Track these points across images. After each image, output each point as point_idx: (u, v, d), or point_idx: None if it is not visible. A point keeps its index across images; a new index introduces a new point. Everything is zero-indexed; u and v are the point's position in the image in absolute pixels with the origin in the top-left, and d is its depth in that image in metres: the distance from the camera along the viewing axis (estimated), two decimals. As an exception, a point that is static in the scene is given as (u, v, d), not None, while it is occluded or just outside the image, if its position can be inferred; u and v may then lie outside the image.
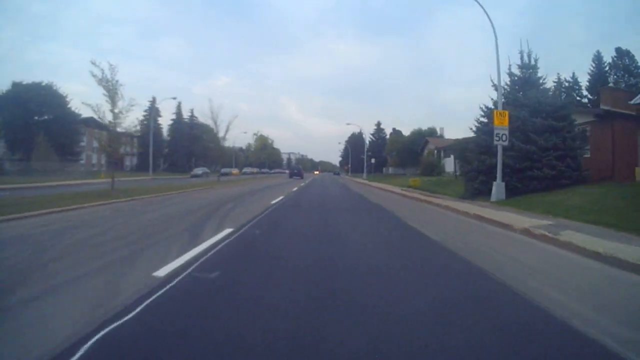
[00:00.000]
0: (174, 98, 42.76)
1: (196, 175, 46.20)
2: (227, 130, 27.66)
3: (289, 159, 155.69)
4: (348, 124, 50.60)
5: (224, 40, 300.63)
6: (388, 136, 77.12)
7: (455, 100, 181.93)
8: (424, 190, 19.21)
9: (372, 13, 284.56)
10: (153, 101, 56.03)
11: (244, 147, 43.09)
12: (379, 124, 75.75)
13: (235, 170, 62.65)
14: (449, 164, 35.61)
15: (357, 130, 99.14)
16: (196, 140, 68.52)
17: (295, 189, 20.80)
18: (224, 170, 58.51)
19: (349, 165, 74.42)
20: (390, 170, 71.21)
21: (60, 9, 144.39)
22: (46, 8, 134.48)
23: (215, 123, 27.41)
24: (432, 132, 66.84)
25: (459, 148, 32.94)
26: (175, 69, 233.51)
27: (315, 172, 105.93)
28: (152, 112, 55.54)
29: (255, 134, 40.58)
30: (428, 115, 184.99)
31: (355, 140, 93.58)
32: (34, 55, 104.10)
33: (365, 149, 54.40)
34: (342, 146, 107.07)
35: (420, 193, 17.62)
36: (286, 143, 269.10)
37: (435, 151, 38.98)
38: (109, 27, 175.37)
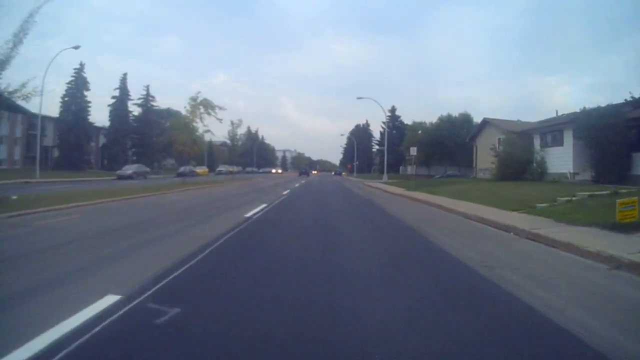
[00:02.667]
0: (77, 47, 25.79)
1: (124, 177, 29.87)
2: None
3: (283, 157, 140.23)
4: (359, 98, 33.51)
5: (222, 38, 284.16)
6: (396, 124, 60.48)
7: (454, 100, 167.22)
8: None
9: (372, 12, 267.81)
10: (80, 68, 39.13)
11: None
12: (393, 110, 58.84)
13: (201, 169, 46.19)
14: (560, 158, 19.13)
15: (362, 122, 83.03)
16: (154, 128, 51.86)
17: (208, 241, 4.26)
18: (182, 168, 42.08)
19: (356, 162, 57.71)
20: (409, 169, 54.78)
21: (59, 5, 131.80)
22: (46, 5, 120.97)
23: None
24: (466, 119, 50.52)
25: (599, 123, 16.71)
26: (172, 66, 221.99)
27: (313, 172, 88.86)
28: (77, 84, 38.83)
29: (192, 99, 22.16)
30: (428, 114, 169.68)
31: (360, 133, 77.25)
32: (31, 53, 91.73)
33: (385, 137, 37.78)
34: (343, 142, 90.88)
35: None
36: (284, 141, 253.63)
37: (516, 139, 22.44)
38: (107, 23, 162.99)
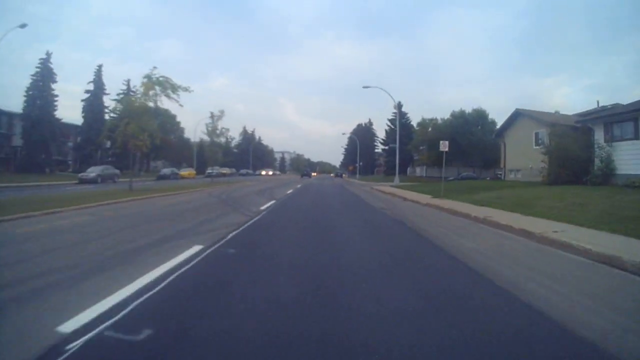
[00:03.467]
0: (22, 26, 21.11)
1: (86, 180, 25.24)
2: None
3: (282, 158, 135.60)
4: (365, 87, 28.87)
5: (222, 41, 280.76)
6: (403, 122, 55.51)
7: (454, 100, 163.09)
8: None
9: (372, 13, 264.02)
10: (47, 58, 34.42)
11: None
12: (400, 106, 54.03)
13: (187, 171, 41.48)
14: (636, 155, 14.39)
15: (364, 121, 78.34)
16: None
17: None
18: (164, 171, 37.48)
19: (360, 164, 52.86)
20: (418, 171, 50.10)
21: (59, 9, 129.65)
22: (45, 9, 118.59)
23: None
24: (480, 115, 45.90)
25: None
26: (173, 70, 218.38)
27: (313, 174, 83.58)
28: (43, 75, 34.10)
29: (146, 77, 15.38)
30: (428, 115, 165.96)
31: (363, 133, 72.46)
32: (33, 56, 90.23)
33: (397, 131, 33.10)
34: (344, 143, 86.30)
35: None
36: (284, 143, 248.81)
37: (569, 132, 17.71)
38: (107, 27, 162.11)
